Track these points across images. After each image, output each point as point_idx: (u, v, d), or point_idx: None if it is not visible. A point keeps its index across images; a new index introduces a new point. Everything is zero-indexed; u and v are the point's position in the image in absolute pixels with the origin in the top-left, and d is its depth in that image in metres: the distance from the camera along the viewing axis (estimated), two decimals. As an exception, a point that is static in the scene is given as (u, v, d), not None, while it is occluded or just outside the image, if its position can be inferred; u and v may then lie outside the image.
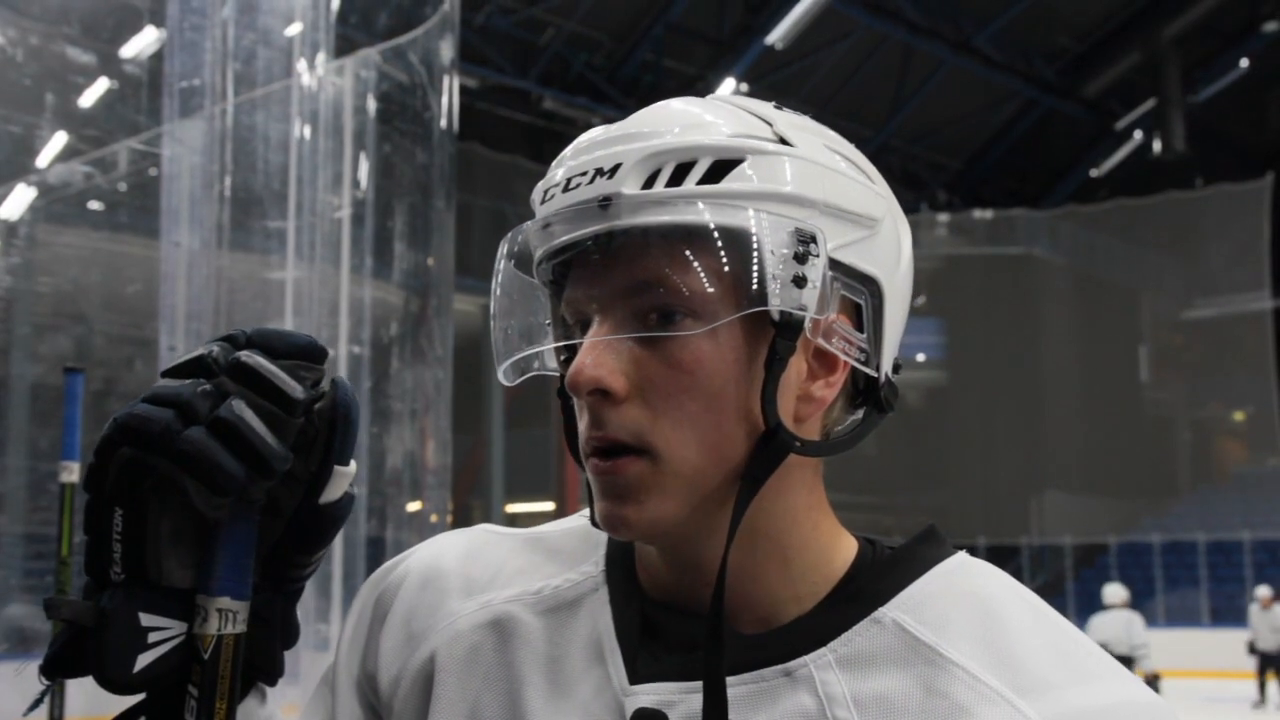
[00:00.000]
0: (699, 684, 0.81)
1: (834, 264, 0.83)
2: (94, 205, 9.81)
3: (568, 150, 0.87)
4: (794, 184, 0.82)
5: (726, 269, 0.80)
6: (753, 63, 22.89)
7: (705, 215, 0.80)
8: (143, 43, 9.28)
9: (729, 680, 0.82)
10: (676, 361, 0.81)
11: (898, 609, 0.84)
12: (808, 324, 0.81)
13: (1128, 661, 11.66)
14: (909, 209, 29.12)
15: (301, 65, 7.11)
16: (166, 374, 0.80)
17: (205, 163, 6.74)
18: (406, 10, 8.51)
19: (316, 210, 7.09)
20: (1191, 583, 22.78)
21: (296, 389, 0.78)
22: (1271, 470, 25.74)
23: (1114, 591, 12.68)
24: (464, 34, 13.98)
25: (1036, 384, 26.11)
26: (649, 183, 0.81)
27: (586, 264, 0.84)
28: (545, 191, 0.86)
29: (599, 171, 0.82)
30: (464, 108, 9.87)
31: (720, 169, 0.81)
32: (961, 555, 0.89)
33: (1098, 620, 12.43)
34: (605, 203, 0.81)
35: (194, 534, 0.81)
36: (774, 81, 24.32)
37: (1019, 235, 27.05)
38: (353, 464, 0.85)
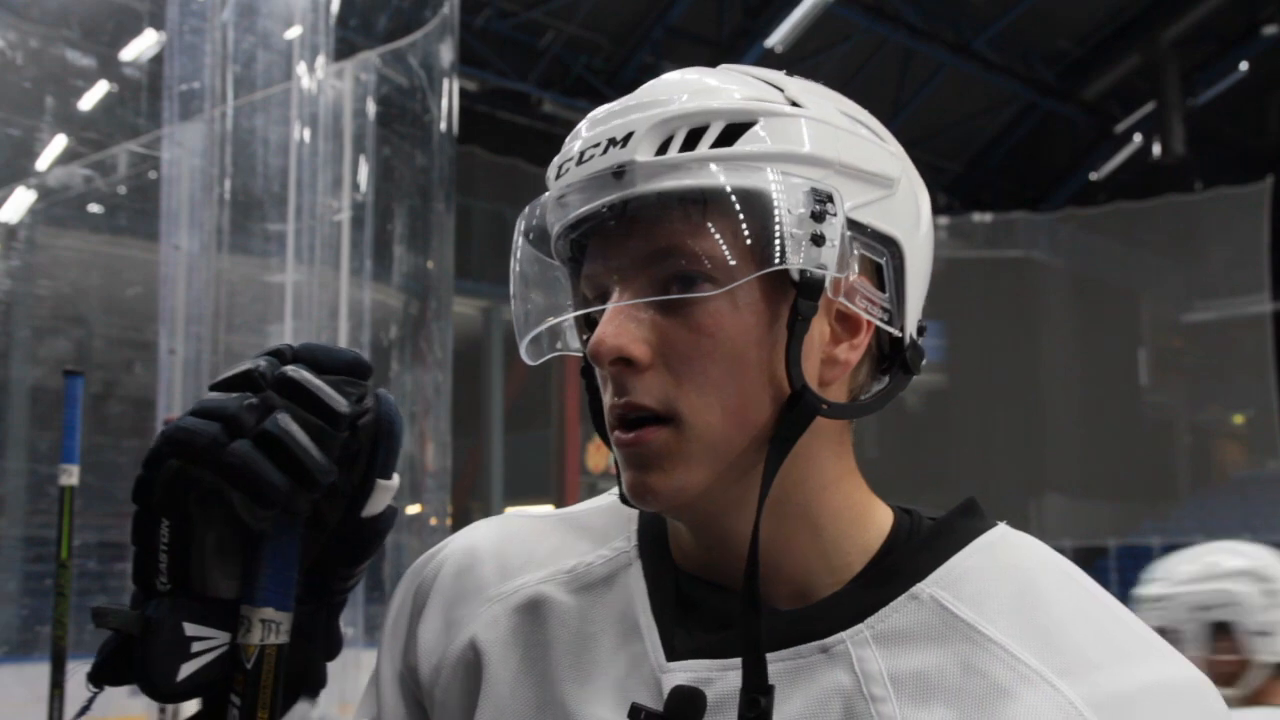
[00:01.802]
0: (736, 660, 0.81)
1: (852, 224, 0.82)
2: (94, 208, 9.81)
3: (581, 124, 0.88)
4: (808, 144, 0.82)
5: (744, 230, 0.79)
6: (752, 65, 22.89)
7: (720, 177, 0.80)
8: (142, 46, 9.28)
9: (767, 657, 0.81)
10: (698, 326, 0.81)
11: (936, 585, 0.83)
12: (828, 282, 0.81)
13: None
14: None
15: (301, 68, 7.11)
16: (214, 387, 0.81)
17: (205, 166, 6.74)
18: (406, 13, 8.51)
19: (316, 213, 7.09)
20: (1191, 586, 22.76)
21: (341, 403, 0.79)
22: (1272, 473, 25.72)
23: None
24: (464, 37, 13.98)
25: (1036, 387, 26.10)
26: (662, 149, 0.81)
27: (604, 235, 0.84)
28: (560, 166, 0.86)
29: (611, 141, 0.82)
30: (464, 110, 9.86)
31: (733, 132, 0.81)
32: (1002, 527, 0.90)
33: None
34: (619, 171, 0.81)
35: (239, 546, 0.82)
36: (774, 84, 24.34)
37: (1018, 238, 27.05)
38: (396, 477, 0.85)
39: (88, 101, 9.78)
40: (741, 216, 0.79)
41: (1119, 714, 0.76)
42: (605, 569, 0.92)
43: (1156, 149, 26.07)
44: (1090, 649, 0.79)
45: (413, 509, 7.64)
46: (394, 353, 8.16)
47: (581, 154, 0.84)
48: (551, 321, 0.90)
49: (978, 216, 27.63)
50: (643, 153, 0.81)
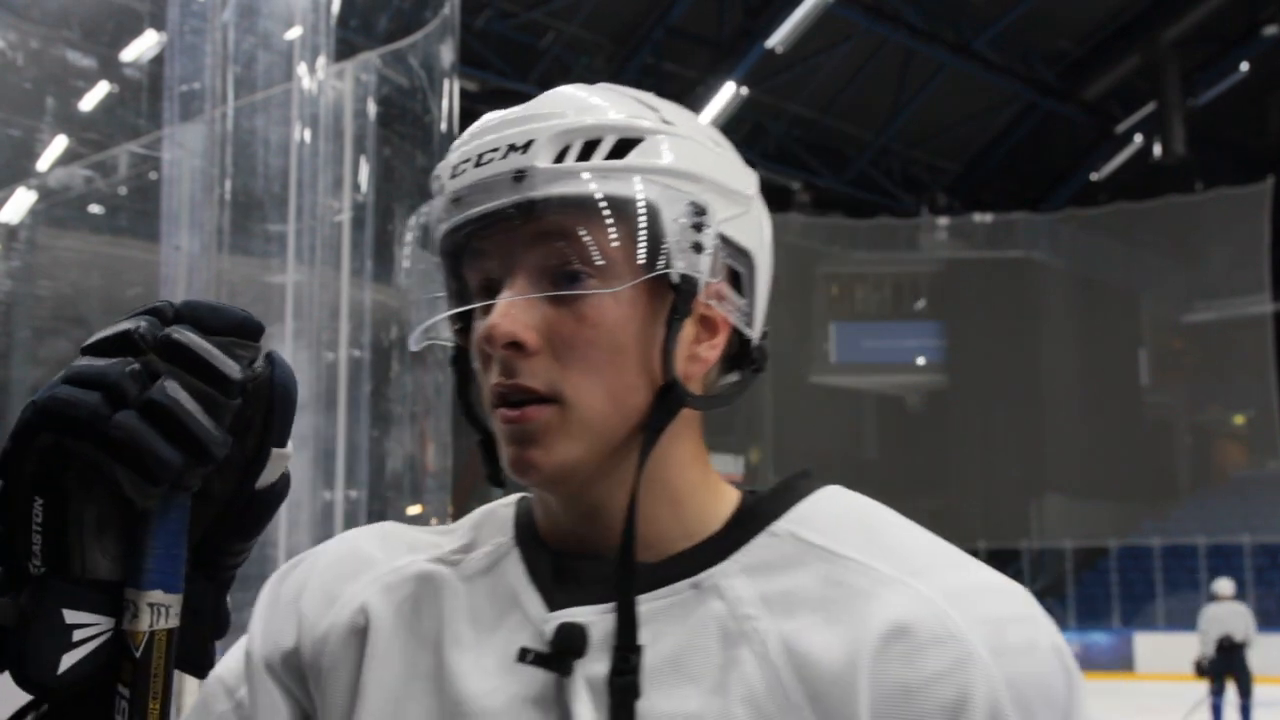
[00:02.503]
0: (611, 605, 0.88)
1: (720, 236, 0.91)
2: (94, 209, 9.82)
3: (471, 130, 0.94)
4: (687, 162, 0.91)
5: (631, 235, 0.87)
6: (753, 66, 22.90)
7: (612, 187, 0.88)
8: (143, 46, 9.28)
9: (643, 597, 0.88)
10: (584, 317, 0.88)
11: (790, 523, 0.92)
12: (702, 287, 0.89)
13: (1242, 650, 12.46)
14: (909, 213, 29.10)
15: (302, 69, 7.12)
16: (87, 350, 0.76)
17: (205, 166, 6.74)
18: (407, 14, 8.52)
19: (317, 214, 7.09)
20: (1192, 586, 22.76)
21: (233, 367, 0.74)
22: (1272, 473, 25.74)
23: (1225, 585, 13.23)
24: (464, 38, 13.98)
25: (1036, 387, 26.11)
26: (560, 158, 0.88)
27: (496, 234, 0.90)
28: (455, 167, 0.91)
29: (512, 147, 0.89)
30: (464, 111, 9.86)
31: (623, 146, 0.89)
32: (836, 486, 0.97)
33: (1215, 611, 12.88)
34: (520, 175, 0.88)
35: (121, 524, 0.76)
36: (774, 85, 24.33)
37: (1019, 239, 27.07)
38: (290, 445, 0.81)
39: (88, 102, 9.78)
40: (632, 223, 0.87)
41: (966, 603, 0.86)
42: (485, 561, 0.97)
43: (1157, 149, 26.08)
44: (930, 557, 0.90)
45: (414, 509, 7.65)
46: (394, 353, 8.17)
47: (480, 156, 0.90)
48: (443, 315, 0.96)
49: (978, 217, 27.65)
50: (542, 159, 0.88)
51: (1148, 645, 21.42)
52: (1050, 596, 24.40)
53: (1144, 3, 25.00)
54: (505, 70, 22.23)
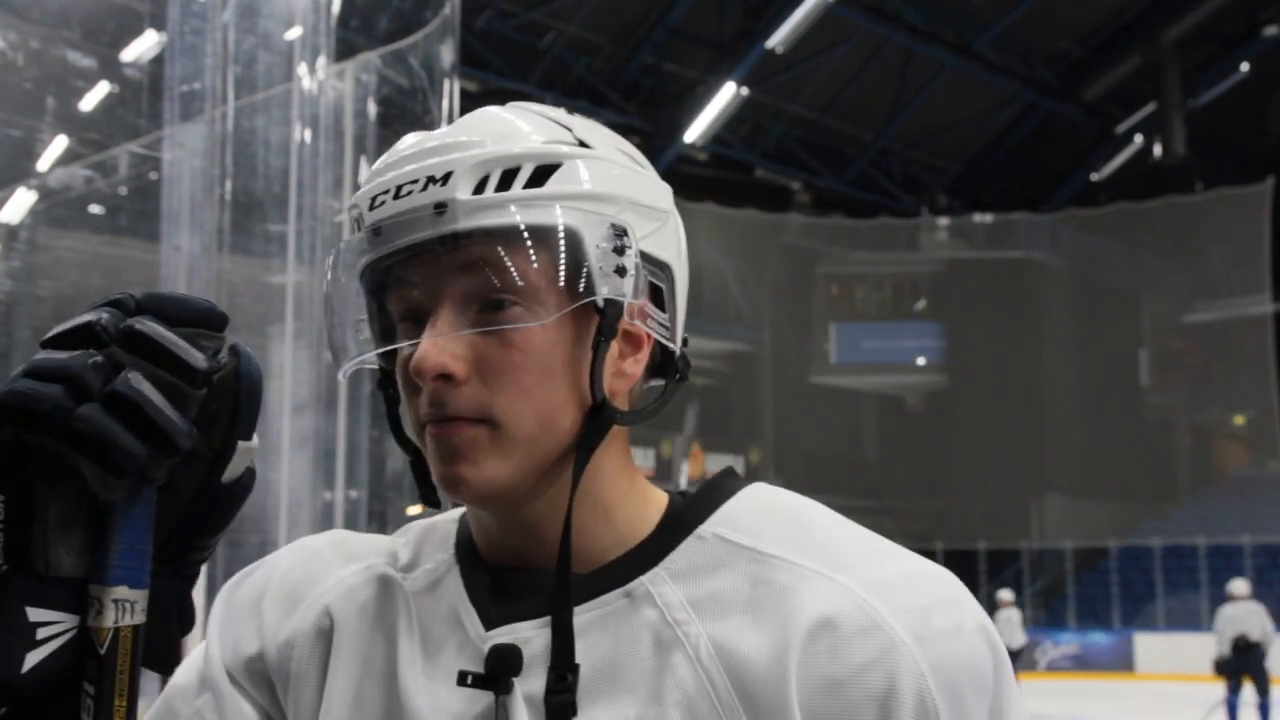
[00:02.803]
0: (548, 619, 0.89)
1: (640, 253, 0.92)
2: (95, 209, 9.82)
3: (386, 158, 0.93)
4: (604, 184, 0.91)
5: (556, 264, 0.88)
6: (753, 66, 22.91)
7: (534, 216, 0.88)
8: (143, 46, 9.28)
9: (576, 610, 0.90)
10: (511, 344, 0.89)
11: (715, 525, 0.93)
12: (626, 308, 0.90)
13: (1259, 649, 12.47)
14: (909, 213, 29.06)
15: (302, 69, 7.12)
16: (47, 344, 0.74)
17: (206, 166, 6.75)
18: (407, 14, 8.52)
19: (317, 214, 7.09)
20: (1192, 586, 22.77)
21: (198, 358, 0.74)
22: (1272, 474, 25.74)
23: (1240, 584, 13.26)
24: (464, 38, 13.98)
25: (1036, 388, 26.11)
26: (479, 188, 0.89)
27: (420, 264, 0.90)
28: (374, 198, 0.91)
29: (430, 179, 0.89)
30: (464, 111, 9.86)
31: (542, 173, 0.90)
32: (760, 483, 0.99)
33: (1231, 611, 12.87)
34: (440, 208, 0.88)
35: (85, 520, 0.76)
36: (774, 85, 24.34)
37: (1019, 239, 27.07)
38: (255, 438, 0.81)
39: (89, 102, 9.79)
40: (556, 252, 0.88)
41: (889, 593, 0.87)
42: (427, 579, 0.98)
43: (1157, 150, 26.07)
44: (853, 551, 0.91)
45: (414, 509, 7.65)
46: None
47: (399, 189, 0.90)
48: (377, 351, 0.96)
49: (978, 217, 27.65)
50: (462, 191, 0.88)
51: (1148, 646, 21.42)
52: (1051, 597, 24.41)
53: (1144, 3, 25.00)
54: (505, 70, 22.23)
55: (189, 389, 0.74)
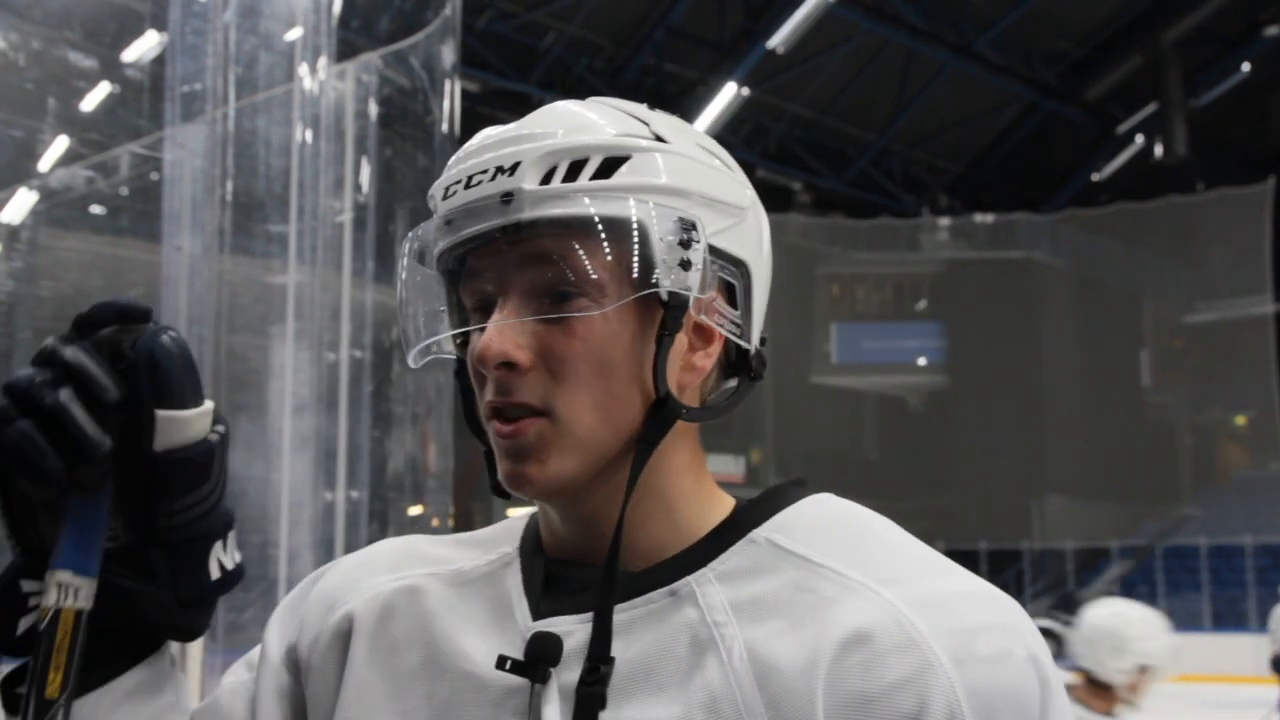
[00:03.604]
0: (591, 615, 0.90)
1: (711, 249, 0.92)
2: (96, 209, 9.82)
3: (463, 149, 0.95)
4: (675, 177, 0.91)
5: (620, 255, 0.88)
6: (754, 66, 22.91)
7: (599, 207, 0.88)
8: (144, 47, 9.29)
9: (621, 606, 0.90)
10: (575, 334, 0.89)
11: (770, 530, 0.93)
12: (692, 302, 0.90)
13: None
14: (910, 213, 29.05)
15: (303, 69, 7.12)
16: (34, 360, 0.86)
17: (207, 167, 6.75)
18: (408, 15, 8.52)
19: (318, 214, 7.09)
20: (1193, 587, 22.76)
21: (107, 384, 0.85)
22: (1273, 474, 25.73)
23: None
24: (465, 38, 13.98)
25: (1037, 388, 26.09)
26: (547, 179, 0.89)
27: (490, 254, 0.92)
28: (447, 189, 0.93)
29: (500, 169, 0.90)
30: (465, 112, 9.87)
31: (610, 165, 0.90)
32: (827, 494, 0.98)
33: None
34: (507, 198, 0.89)
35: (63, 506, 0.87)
36: (775, 85, 24.33)
37: (1020, 239, 27.06)
38: (206, 404, 0.90)
39: (89, 103, 9.79)
40: (618, 243, 0.88)
41: (934, 611, 0.85)
42: (486, 569, 1.01)
43: (1158, 150, 26.07)
44: (907, 565, 0.90)
45: (414, 510, 7.65)
46: (396, 354, 8.16)
47: (469, 179, 0.91)
48: (440, 335, 0.99)
49: (979, 217, 27.64)
50: (529, 181, 0.89)
51: (1149, 646, 21.39)
52: (1052, 597, 24.41)
53: (1145, 3, 24.99)
54: (506, 71, 22.23)
55: (106, 399, 0.84)
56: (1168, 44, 24.81)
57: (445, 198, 0.93)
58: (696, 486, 0.96)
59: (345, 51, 7.82)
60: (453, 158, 0.96)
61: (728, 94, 23.04)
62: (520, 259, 0.90)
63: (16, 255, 9.24)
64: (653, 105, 0.98)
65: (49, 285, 9.56)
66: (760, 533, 0.93)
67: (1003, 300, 26.17)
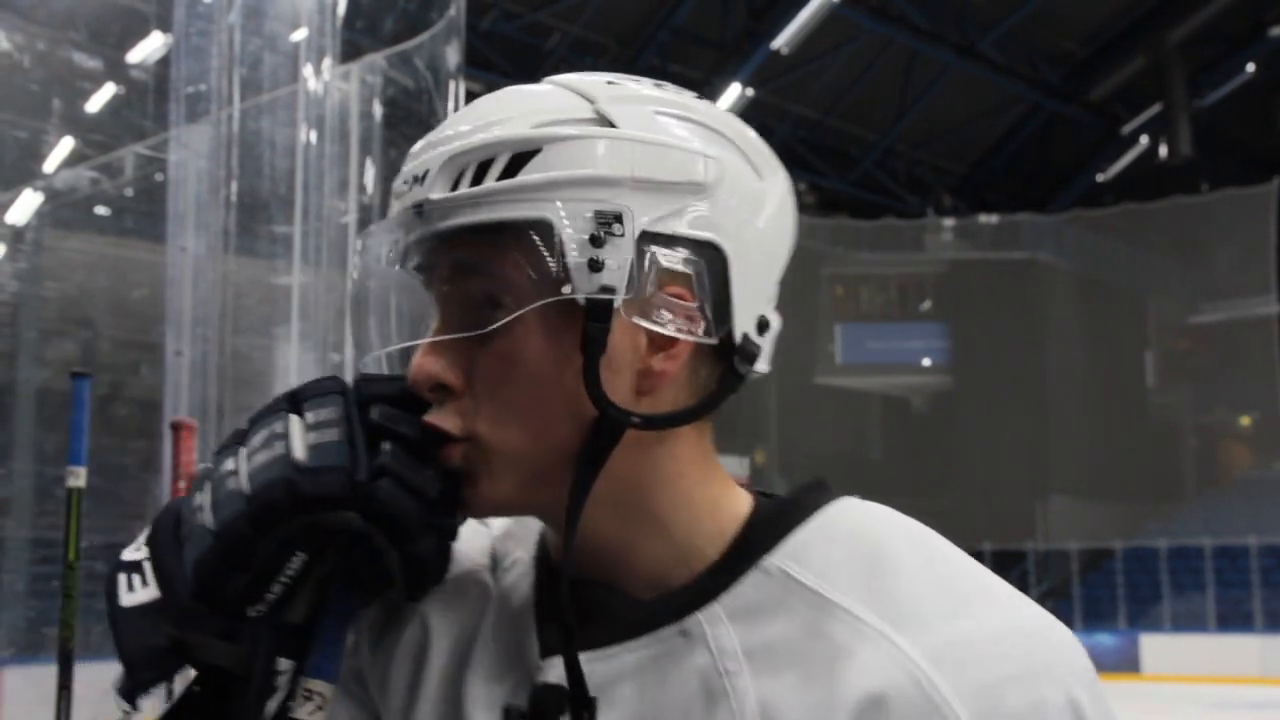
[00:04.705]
0: (601, 651, 0.85)
1: (656, 237, 0.83)
2: (100, 210, 9.84)
3: (410, 152, 0.91)
4: (595, 165, 0.82)
5: (519, 260, 0.82)
6: (758, 67, 22.90)
7: (500, 212, 0.82)
8: (149, 48, 9.30)
9: (629, 644, 0.85)
10: (499, 351, 0.83)
11: (783, 557, 0.85)
12: (619, 304, 0.81)
13: None
14: (914, 214, 28.94)
15: (307, 70, 7.13)
16: (378, 400, 0.86)
17: (211, 168, 6.76)
18: (412, 15, 8.53)
19: (322, 215, 7.10)
20: (1198, 588, 22.73)
21: (430, 487, 0.84)
22: (1278, 474, 25.68)
23: None
24: (469, 39, 13.98)
25: (1042, 389, 26.06)
26: (455, 184, 0.83)
27: (425, 263, 0.88)
28: (392, 196, 0.89)
29: (415, 179, 0.85)
30: (469, 113, 9.85)
31: (519, 160, 0.83)
32: (848, 499, 0.89)
33: None
34: (419, 209, 0.84)
35: (322, 583, 0.85)
36: (779, 86, 24.33)
37: (1024, 240, 27.02)
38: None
39: (95, 104, 9.81)
40: (520, 248, 0.82)
41: (957, 661, 0.77)
42: (510, 578, 0.96)
43: (1163, 150, 26.03)
44: (929, 601, 0.80)
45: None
46: (398, 354, 8.14)
47: (397, 190, 0.88)
48: (392, 348, 0.93)
49: (983, 218, 27.60)
50: (437, 190, 0.84)
51: (1154, 647, 21.38)
52: (1056, 598, 24.37)
53: (1150, 3, 24.97)
54: (510, 71, 22.23)
55: (428, 498, 0.83)
56: (1172, 44, 24.78)
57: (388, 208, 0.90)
58: (693, 495, 0.88)
59: (350, 52, 7.83)
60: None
61: (732, 95, 23.04)
62: (449, 269, 0.85)
63: (21, 256, 9.26)
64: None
65: (54, 286, 9.59)
66: (773, 561, 0.85)
67: (1007, 301, 26.14)
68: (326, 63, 7.21)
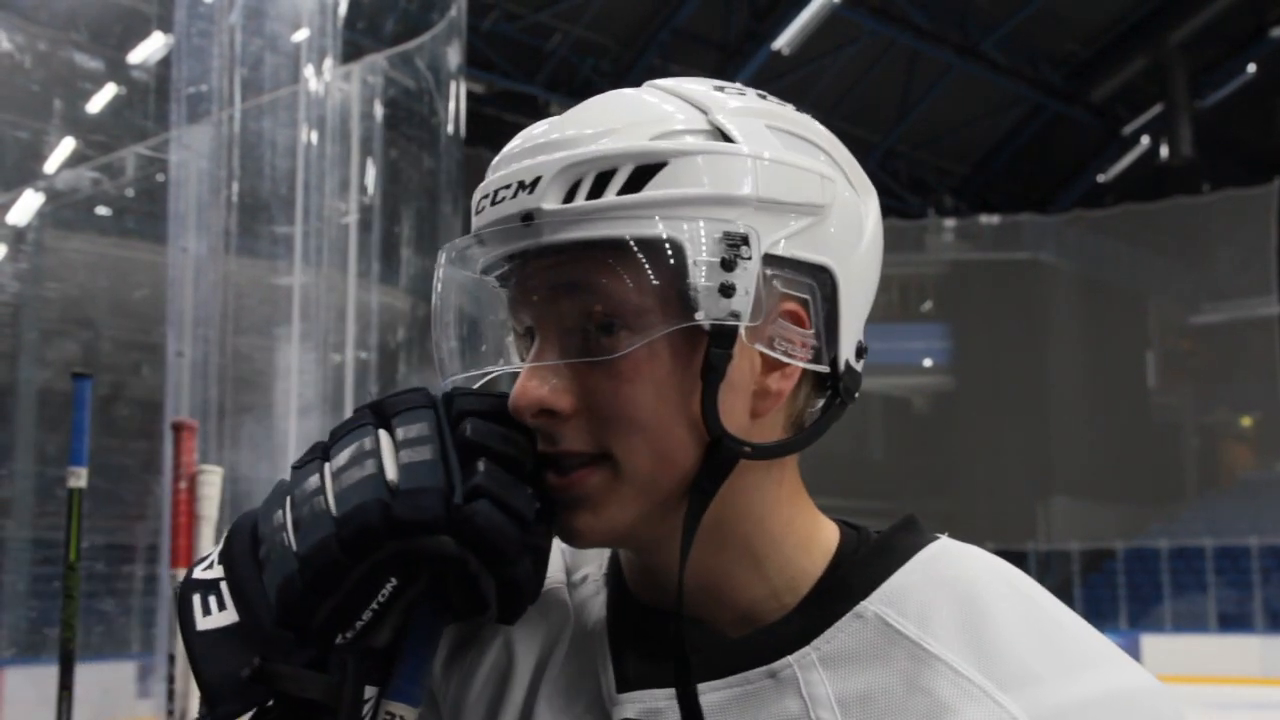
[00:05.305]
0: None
1: (776, 260, 0.80)
2: (101, 211, 9.85)
3: (502, 152, 0.85)
4: (722, 184, 0.79)
5: (648, 283, 0.77)
6: (759, 68, 22.90)
7: (625, 228, 0.77)
8: (150, 48, 9.31)
9: (715, 684, 0.81)
10: (618, 372, 0.79)
11: (880, 602, 0.81)
12: (743, 331, 0.78)
13: None
14: (916, 214, 28.92)
15: (309, 71, 7.13)
16: (461, 441, 0.80)
17: (212, 168, 6.76)
18: (413, 16, 8.53)
19: (324, 215, 7.11)
20: (1199, 588, 22.72)
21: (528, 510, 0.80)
22: (1279, 475, 25.68)
23: None
24: (470, 39, 13.99)
25: (1043, 389, 26.07)
26: (571, 194, 0.78)
27: (525, 277, 0.82)
28: (478, 202, 0.83)
29: (520, 185, 0.80)
30: (470, 113, 9.88)
31: (643, 174, 0.78)
32: (943, 540, 0.86)
33: None
34: (527, 219, 0.79)
35: (407, 608, 0.81)
36: (780, 87, 24.28)
37: (1026, 240, 27.02)
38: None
39: (96, 104, 9.81)
40: (649, 269, 0.77)
41: None
42: (582, 596, 0.92)
43: (1164, 151, 26.02)
44: (1034, 661, 0.77)
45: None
46: (401, 355, 8.18)
47: (496, 193, 0.81)
48: (479, 371, 0.88)
49: (985, 218, 27.60)
50: (550, 200, 0.78)
51: (1156, 647, 21.37)
52: (1058, 598, 24.37)
53: (1151, 4, 24.95)
54: (512, 72, 22.23)
55: (526, 522, 0.79)
56: (1173, 45, 24.77)
57: (477, 211, 0.83)
58: (789, 528, 0.85)
59: (351, 53, 7.83)
60: (495, 161, 0.86)
61: (733, 95, 23.05)
62: (552, 287, 0.80)
63: (22, 256, 9.26)
64: None
65: (55, 286, 9.59)
66: (869, 606, 0.81)
67: (1008, 301, 26.14)
68: (327, 63, 7.21)
